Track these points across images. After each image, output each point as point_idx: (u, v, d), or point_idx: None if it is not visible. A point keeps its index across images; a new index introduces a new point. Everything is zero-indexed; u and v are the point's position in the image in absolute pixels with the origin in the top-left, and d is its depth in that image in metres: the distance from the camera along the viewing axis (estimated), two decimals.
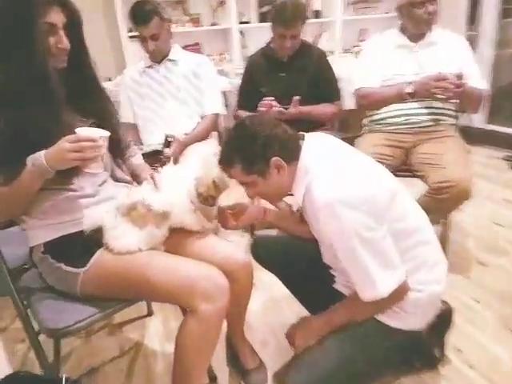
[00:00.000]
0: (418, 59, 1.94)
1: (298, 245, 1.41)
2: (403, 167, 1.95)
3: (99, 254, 1.13)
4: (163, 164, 1.49)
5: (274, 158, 1.09)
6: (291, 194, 1.20)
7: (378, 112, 2.02)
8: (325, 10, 3.80)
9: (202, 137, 2.15)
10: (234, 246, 1.33)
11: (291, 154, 1.13)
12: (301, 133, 1.19)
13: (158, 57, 2.16)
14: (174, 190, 1.22)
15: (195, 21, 3.53)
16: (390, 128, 2.00)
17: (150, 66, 2.21)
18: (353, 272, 1.10)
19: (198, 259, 1.16)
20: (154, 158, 1.95)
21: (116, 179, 1.31)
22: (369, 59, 2.04)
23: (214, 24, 3.58)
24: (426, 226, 1.19)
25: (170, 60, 2.19)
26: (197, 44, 3.61)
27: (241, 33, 3.61)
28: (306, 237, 1.34)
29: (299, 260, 1.40)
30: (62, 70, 1.09)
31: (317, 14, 3.75)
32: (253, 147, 1.09)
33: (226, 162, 1.15)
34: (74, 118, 1.12)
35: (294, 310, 1.68)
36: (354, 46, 3.49)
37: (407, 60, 1.95)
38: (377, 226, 1.04)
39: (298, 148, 1.14)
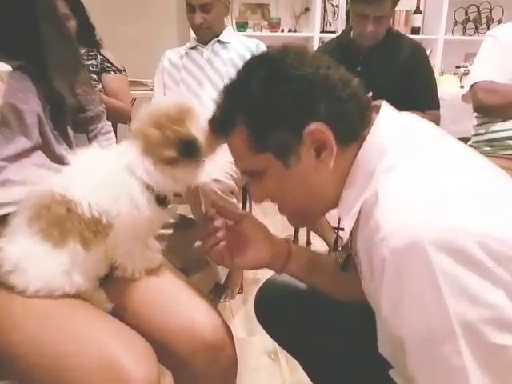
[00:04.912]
0: None
1: (332, 307, 0.80)
2: None
3: None
4: None
5: (315, 126, 0.57)
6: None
7: (494, 129, 1.39)
8: (426, 27, 3.28)
9: None
10: (205, 303, 0.76)
11: (350, 128, 0.59)
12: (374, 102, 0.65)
13: (206, 35, 1.78)
14: (122, 181, 0.69)
15: (274, 26, 3.28)
16: (507, 153, 1.42)
17: (194, 47, 1.84)
18: None
19: (144, 326, 0.71)
20: None
21: (54, 158, 0.84)
22: (495, 49, 1.45)
23: (294, 31, 3.32)
24: None
25: (220, 42, 1.79)
26: None
27: (322, 42, 3.21)
28: (349, 298, 0.77)
29: (333, 332, 0.81)
30: None
31: (416, 31, 3.25)
32: (273, 96, 0.58)
33: (222, 120, 0.63)
34: None
35: None
36: (458, 67, 2.86)
37: None
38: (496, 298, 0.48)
39: (364, 121, 0.61)
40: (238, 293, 1.76)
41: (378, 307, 0.62)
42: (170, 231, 1.57)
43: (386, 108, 0.64)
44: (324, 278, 0.79)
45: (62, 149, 0.83)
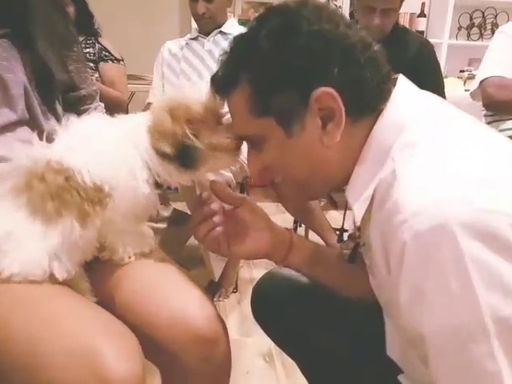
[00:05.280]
0: None
1: (335, 303, 0.74)
2: None
3: None
4: None
5: (323, 90, 0.51)
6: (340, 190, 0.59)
7: (504, 128, 1.35)
8: (430, 31, 3.24)
9: None
10: (198, 293, 0.69)
11: (364, 98, 0.53)
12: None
13: (208, 26, 1.73)
14: (125, 151, 0.63)
15: None
16: None
17: (195, 38, 1.79)
18: None
19: (132, 317, 0.65)
20: None
21: (42, 134, 0.77)
22: (505, 45, 1.42)
23: None
24: None
25: (223, 33, 1.74)
26: None
27: None
28: (355, 294, 0.71)
29: (335, 331, 0.74)
30: None
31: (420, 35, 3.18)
32: (282, 51, 0.52)
33: (225, 76, 0.58)
34: None
35: None
36: (462, 71, 2.83)
37: None
38: None
39: (382, 92, 0.55)
40: (233, 292, 1.69)
41: (390, 303, 0.56)
42: (164, 225, 1.50)
43: (403, 81, 0.58)
44: (328, 271, 0.73)
45: (50, 125, 0.76)
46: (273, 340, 0.86)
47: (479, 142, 0.51)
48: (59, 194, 0.58)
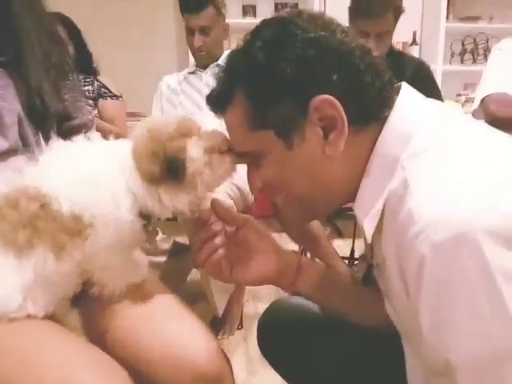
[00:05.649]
0: None
1: (349, 333, 0.68)
2: None
3: None
4: None
5: (322, 98, 0.49)
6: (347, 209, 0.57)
7: None
8: (423, 58, 3.28)
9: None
10: (199, 326, 0.64)
11: (366, 105, 0.51)
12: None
13: (205, 59, 1.75)
14: (110, 176, 0.59)
15: None
16: None
17: (193, 72, 1.81)
18: None
19: (125, 354, 0.60)
20: None
21: (35, 162, 0.75)
22: (504, 62, 1.42)
23: None
24: None
25: (220, 66, 1.75)
26: None
27: None
28: (370, 322, 0.65)
29: (350, 364, 0.68)
30: None
31: None
32: (278, 61, 0.49)
33: (220, 90, 0.56)
34: None
35: None
36: (459, 95, 2.85)
37: None
38: None
39: (384, 100, 0.52)
40: (238, 328, 1.61)
41: (410, 329, 0.50)
42: (164, 259, 1.45)
43: (407, 89, 0.55)
44: (341, 297, 0.67)
45: None
46: (281, 375, 0.79)
47: (493, 147, 0.48)
48: (32, 223, 0.54)
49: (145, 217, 0.60)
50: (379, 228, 0.51)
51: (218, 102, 0.56)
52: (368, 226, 0.51)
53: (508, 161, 0.45)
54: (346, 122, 0.49)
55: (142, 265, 0.68)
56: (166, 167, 0.55)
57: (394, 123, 0.51)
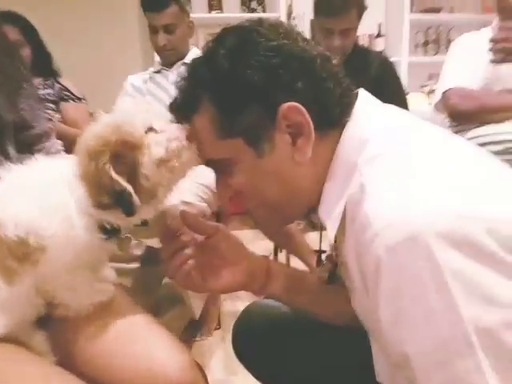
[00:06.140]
0: None
1: (320, 332, 0.70)
2: None
3: None
4: None
5: (290, 105, 0.50)
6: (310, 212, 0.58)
7: (468, 137, 1.36)
8: (389, 50, 3.35)
9: None
10: (169, 339, 0.64)
11: (329, 112, 0.52)
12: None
13: (171, 57, 1.72)
14: (59, 197, 0.56)
15: None
16: None
17: (158, 71, 1.77)
18: None
19: (97, 375, 0.59)
20: None
21: None
22: (462, 56, 1.45)
23: None
24: None
25: (186, 64, 1.71)
26: None
27: None
28: (340, 320, 0.67)
29: (325, 363, 0.70)
30: None
31: None
32: (244, 68, 0.50)
33: (185, 99, 0.56)
34: None
35: None
36: (424, 86, 2.92)
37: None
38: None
39: (344, 106, 0.53)
40: (216, 329, 1.61)
41: (373, 324, 0.52)
42: (137, 265, 1.43)
43: (365, 95, 0.57)
44: (310, 297, 0.69)
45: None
46: (257, 378, 0.80)
47: (446, 150, 0.50)
48: None
49: (107, 230, 0.58)
50: (341, 230, 0.52)
51: (182, 110, 0.56)
52: (330, 228, 0.53)
53: (459, 163, 0.47)
54: (312, 128, 0.50)
55: (109, 282, 0.67)
56: (115, 199, 0.53)
57: (353, 129, 0.52)
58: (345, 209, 0.50)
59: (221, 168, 0.57)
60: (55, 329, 0.63)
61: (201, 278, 0.61)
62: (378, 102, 0.58)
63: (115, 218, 0.56)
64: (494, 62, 1.06)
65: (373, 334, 0.58)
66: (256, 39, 0.51)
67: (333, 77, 0.53)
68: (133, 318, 0.65)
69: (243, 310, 0.82)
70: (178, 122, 0.57)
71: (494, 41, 1.02)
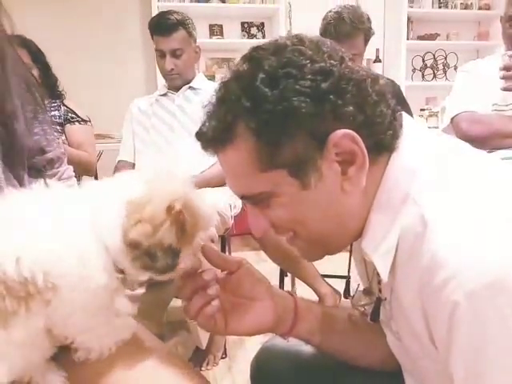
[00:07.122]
0: None
1: (347, 374, 0.65)
2: None
3: None
4: None
5: (343, 133, 0.45)
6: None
7: None
8: (387, 74, 3.42)
9: (216, 182, 1.56)
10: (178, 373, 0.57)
11: (382, 137, 0.48)
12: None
13: (177, 81, 1.72)
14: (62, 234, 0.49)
15: None
16: None
17: (164, 94, 1.77)
18: None
19: None
20: None
21: None
22: (469, 82, 1.47)
23: None
24: None
25: (192, 88, 1.73)
26: None
27: None
28: (374, 362, 0.63)
29: None
30: None
31: None
32: (288, 94, 0.45)
33: (218, 128, 0.49)
34: None
35: None
36: (422, 110, 2.96)
37: None
38: None
39: (395, 128, 0.49)
40: (222, 358, 1.55)
41: (427, 371, 0.49)
42: (142, 290, 1.38)
43: (408, 118, 0.53)
44: (340, 337, 0.63)
45: None
46: None
47: (503, 178, 0.47)
48: None
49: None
50: (392, 264, 0.48)
51: (216, 139, 0.50)
52: (381, 264, 0.49)
53: None
54: (366, 157, 0.46)
55: (127, 314, 0.63)
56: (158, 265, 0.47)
57: (402, 155, 0.49)
58: (397, 242, 0.47)
59: (257, 201, 0.51)
60: (75, 370, 0.59)
61: (223, 320, 0.56)
62: (421, 125, 0.55)
63: (147, 275, 0.50)
64: (506, 89, 1.06)
65: (413, 378, 0.54)
66: (300, 61, 0.45)
67: (383, 98, 0.48)
68: (155, 354, 0.61)
69: (262, 347, 0.76)
70: (206, 151, 0.53)
71: (505, 68, 1.03)
